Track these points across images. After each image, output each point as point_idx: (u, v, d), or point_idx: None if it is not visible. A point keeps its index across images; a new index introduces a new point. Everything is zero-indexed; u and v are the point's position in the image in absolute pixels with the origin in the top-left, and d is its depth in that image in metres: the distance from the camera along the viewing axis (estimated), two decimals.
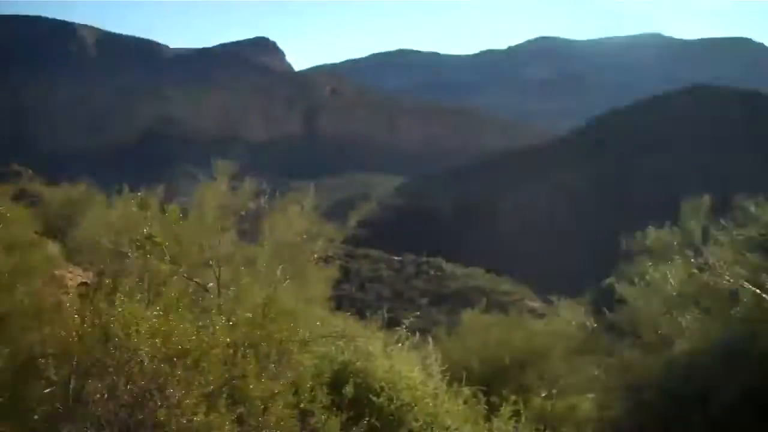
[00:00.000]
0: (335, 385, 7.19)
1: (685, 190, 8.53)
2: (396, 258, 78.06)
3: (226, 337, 6.06)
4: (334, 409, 6.84)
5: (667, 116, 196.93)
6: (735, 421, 6.28)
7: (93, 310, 5.70)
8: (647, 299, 8.05)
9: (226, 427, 5.44)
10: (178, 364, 5.51)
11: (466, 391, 8.65)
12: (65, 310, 6.53)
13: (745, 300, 7.36)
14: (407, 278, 72.39)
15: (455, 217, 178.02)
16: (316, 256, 10.89)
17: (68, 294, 8.80)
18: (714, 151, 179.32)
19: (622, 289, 8.90)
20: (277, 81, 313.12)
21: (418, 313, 14.49)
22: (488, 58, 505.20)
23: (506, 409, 8.63)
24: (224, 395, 5.66)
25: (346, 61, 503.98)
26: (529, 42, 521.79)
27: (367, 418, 6.94)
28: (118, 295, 5.86)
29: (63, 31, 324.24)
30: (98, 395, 5.30)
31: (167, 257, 8.50)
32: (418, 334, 9.88)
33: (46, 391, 5.51)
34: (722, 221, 7.71)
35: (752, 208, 7.33)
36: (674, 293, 7.84)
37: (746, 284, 7.39)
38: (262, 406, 5.93)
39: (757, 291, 7.23)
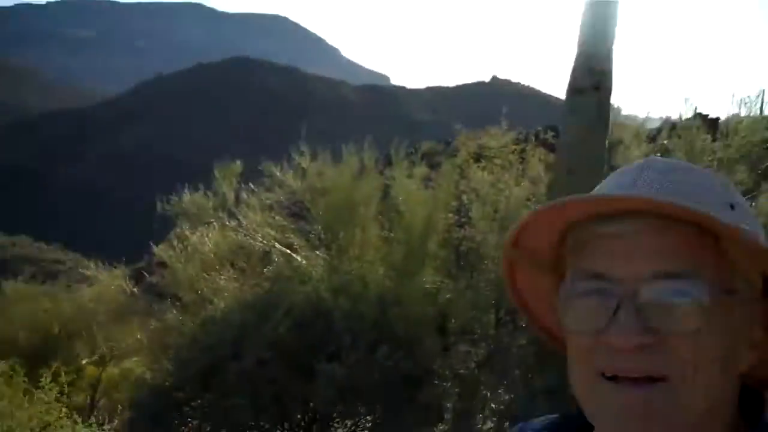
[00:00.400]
0: None
1: (223, 155, 8.80)
2: None
3: None
4: None
5: (210, 84, 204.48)
6: (265, 372, 6.76)
7: None
8: (186, 261, 8.17)
9: None
10: None
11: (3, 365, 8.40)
12: None
13: (276, 259, 7.95)
14: None
15: None
16: None
17: None
18: (255, 119, 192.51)
19: (162, 252, 8.87)
20: None
21: None
22: (25, 10, 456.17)
23: (46, 380, 8.58)
24: None
25: None
26: None
27: None
28: None
29: None
30: None
31: None
32: None
33: None
34: (251, 185, 8.22)
35: (278, 174, 7.95)
36: (212, 255, 8.10)
37: (277, 245, 7.98)
38: None
39: (287, 250, 7.87)
